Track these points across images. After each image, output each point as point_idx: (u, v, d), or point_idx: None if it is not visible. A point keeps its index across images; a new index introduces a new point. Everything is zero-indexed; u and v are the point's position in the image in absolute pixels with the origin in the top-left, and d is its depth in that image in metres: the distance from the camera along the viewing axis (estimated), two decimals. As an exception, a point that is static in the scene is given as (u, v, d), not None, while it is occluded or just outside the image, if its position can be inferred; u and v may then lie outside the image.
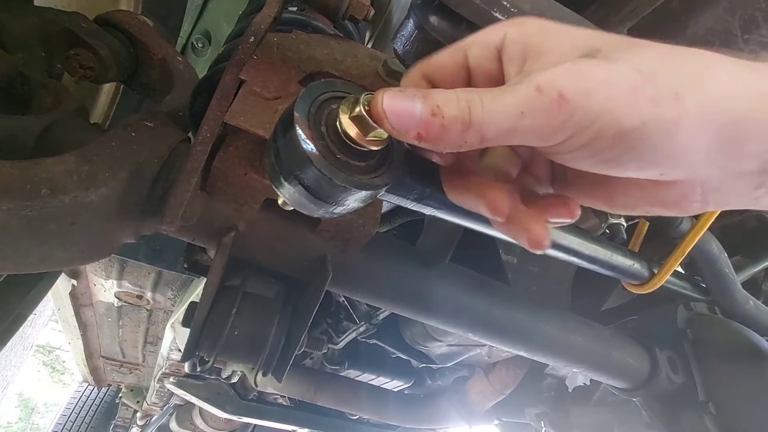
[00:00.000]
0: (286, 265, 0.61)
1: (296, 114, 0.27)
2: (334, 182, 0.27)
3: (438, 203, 0.36)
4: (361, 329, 1.41)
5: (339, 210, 0.30)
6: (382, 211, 0.76)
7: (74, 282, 1.56)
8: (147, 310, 1.81)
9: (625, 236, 0.61)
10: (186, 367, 1.41)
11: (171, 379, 1.92)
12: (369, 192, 0.29)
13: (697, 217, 0.64)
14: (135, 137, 0.47)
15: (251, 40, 0.45)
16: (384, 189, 0.30)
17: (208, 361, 0.61)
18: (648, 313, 1.11)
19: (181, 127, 0.56)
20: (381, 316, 1.37)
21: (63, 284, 1.59)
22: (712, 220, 0.62)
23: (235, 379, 1.59)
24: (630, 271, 0.65)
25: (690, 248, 0.64)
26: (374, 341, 1.46)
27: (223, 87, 0.43)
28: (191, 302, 0.60)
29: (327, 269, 0.58)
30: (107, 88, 0.83)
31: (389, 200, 0.34)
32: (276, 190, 0.31)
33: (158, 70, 0.67)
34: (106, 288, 1.61)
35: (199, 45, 1.27)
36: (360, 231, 0.56)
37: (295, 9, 0.70)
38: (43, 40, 0.55)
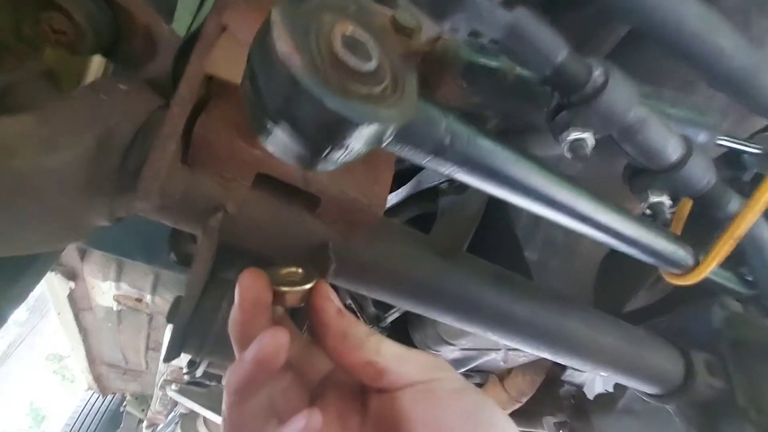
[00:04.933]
0: (283, 253, 0.54)
1: (274, 17, 0.20)
2: (325, 105, 0.20)
3: (460, 159, 0.29)
4: (369, 332, 1.34)
5: (339, 155, 0.23)
6: (387, 204, 0.70)
7: (72, 284, 1.51)
8: (147, 314, 1.76)
9: (668, 216, 0.53)
10: (185, 374, 1.35)
11: (173, 386, 1.86)
12: (375, 127, 0.22)
13: (748, 196, 0.56)
14: (106, 100, 0.41)
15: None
16: (394, 127, 0.23)
17: (196, 363, 0.54)
18: (680, 312, 1.03)
19: (163, 96, 0.50)
20: (390, 319, 1.30)
21: (61, 287, 1.54)
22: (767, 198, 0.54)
23: (237, 386, 1.51)
24: (672, 258, 0.57)
25: (742, 231, 0.56)
26: (383, 345, 1.38)
27: (205, 35, 0.37)
28: (177, 296, 0.54)
29: (329, 258, 0.51)
30: (95, 67, 0.78)
31: (398, 152, 0.27)
32: (260, 138, 0.25)
33: (141, 39, 0.61)
34: (104, 290, 1.56)
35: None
36: (365, 212, 0.49)
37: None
38: (10, 1, 0.50)
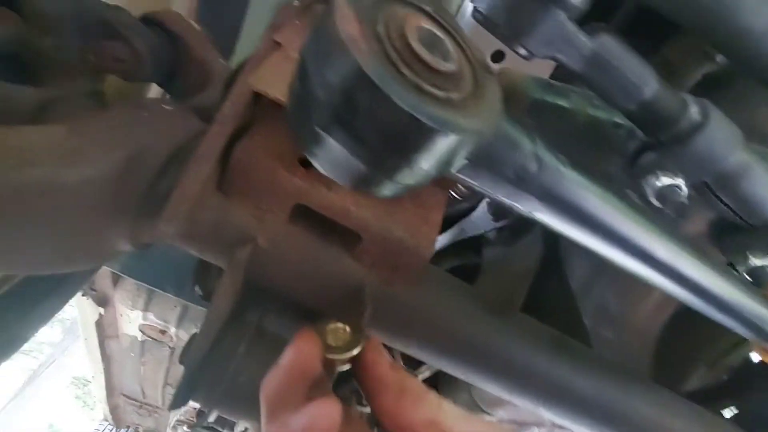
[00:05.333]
0: (313, 295, 0.48)
1: (338, -5, 0.16)
2: (396, 105, 0.15)
3: (544, 192, 0.23)
4: (396, 391, 1.22)
5: (402, 175, 0.18)
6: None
7: (102, 311, 1.51)
8: (170, 347, 1.72)
9: (776, 286, 0.43)
10: (196, 417, 1.27)
11: (185, 428, 1.77)
12: (452, 138, 0.16)
13: None
14: (146, 117, 0.39)
15: (295, 3, 0.37)
16: (475, 140, 0.18)
17: (206, 413, 0.47)
18: (754, 398, 0.87)
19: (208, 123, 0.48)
20: (420, 377, 1.18)
21: (91, 312, 1.54)
22: None
23: (249, 437, 1.41)
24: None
25: None
26: (409, 407, 1.25)
27: (257, 54, 0.35)
28: (194, 334, 0.49)
29: (365, 305, 0.44)
30: (152, 95, 0.81)
31: (470, 179, 0.22)
32: (307, 153, 0.20)
33: (197, 73, 0.62)
34: (131, 319, 1.54)
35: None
36: (411, 255, 0.43)
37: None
38: (78, 27, 0.51)
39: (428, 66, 0.17)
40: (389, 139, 0.16)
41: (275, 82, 0.34)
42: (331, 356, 0.34)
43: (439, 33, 0.18)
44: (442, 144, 0.17)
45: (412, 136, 0.16)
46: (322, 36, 0.16)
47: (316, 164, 0.20)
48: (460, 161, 0.20)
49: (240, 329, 0.46)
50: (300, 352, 0.32)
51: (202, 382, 0.44)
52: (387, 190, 0.19)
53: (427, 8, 0.19)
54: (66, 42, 0.49)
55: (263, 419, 0.32)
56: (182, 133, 0.40)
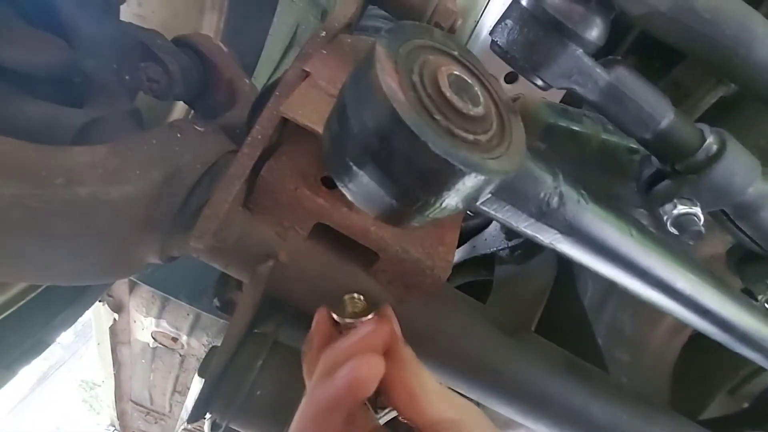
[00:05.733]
0: (330, 311, 0.49)
1: (378, 48, 0.17)
2: (430, 150, 0.16)
3: (565, 225, 0.24)
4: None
5: (428, 211, 0.19)
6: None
7: (116, 316, 1.53)
8: (180, 355, 1.73)
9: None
10: (205, 427, 1.27)
11: (191, 437, 1.77)
12: (480, 179, 0.18)
13: None
14: (180, 138, 0.41)
15: (322, 34, 0.39)
16: (500, 179, 0.19)
17: (221, 426, 0.48)
18: None
19: (236, 143, 0.50)
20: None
21: (106, 317, 1.57)
22: None
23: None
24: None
25: None
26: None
27: (286, 81, 0.37)
28: (213, 347, 0.50)
29: (379, 321, 0.45)
30: (176, 115, 0.84)
31: (493, 213, 0.23)
32: (338, 181, 0.21)
33: (224, 92, 0.65)
34: (144, 326, 1.57)
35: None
36: (427, 275, 0.44)
37: (382, 20, 0.67)
38: (116, 49, 0.54)
39: (459, 112, 0.18)
40: (420, 178, 0.18)
41: (304, 109, 0.36)
42: (349, 320, 0.40)
43: (467, 78, 0.19)
44: (470, 184, 0.18)
45: (443, 177, 0.17)
46: (363, 81, 0.18)
47: (348, 195, 0.22)
48: (485, 197, 0.21)
49: (258, 342, 0.48)
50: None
51: (221, 394, 0.45)
52: (414, 222, 0.20)
53: (455, 53, 0.21)
54: (106, 64, 0.52)
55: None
56: (213, 153, 0.42)
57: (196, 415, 0.44)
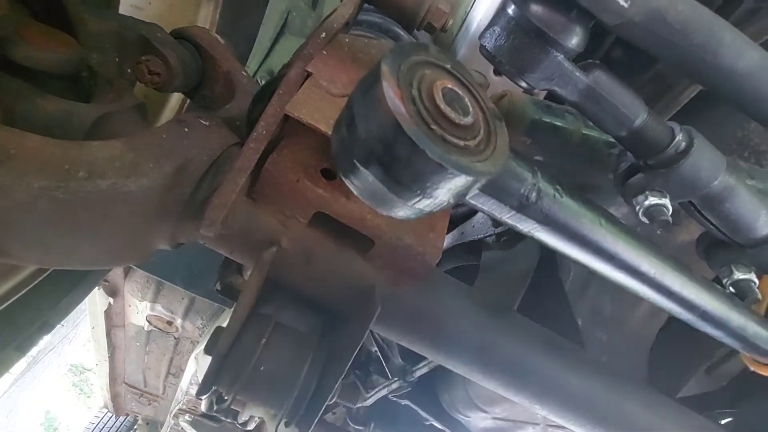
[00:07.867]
0: (327, 294, 0.53)
1: (383, 67, 0.20)
2: (427, 156, 0.19)
3: (543, 216, 0.27)
4: (394, 386, 1.27)
5: (424, 205, 0.22)
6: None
7: (111, 300, 1.55)
8: (174, 337, 1.77)
9: (759, 298, 0.48)
10: (203, 405, 1.32)
11: (186, 417, 1.82)
12: (468, 179, 0.21)
13: None
14: (187, 132, 0.43)
15: (322, 35, 0.41)
16: (486, 179, 0.22)
17: (226, 400, 0.52)
18: (752, 409, 0.90)
19: (237, 134, 0.52)
20: (418, 373, 1.23)
21: (101, 302, 1.59)
22: None
23: (251, 426, 1.46)
24: (761, 345, 0.51)
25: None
26: (406, 402, 1.30)
27: (288, 81, 0.39)
28: (218, 327, 0.53)
29: (374, 303, 0.49)
30: (173, 103, 0.85)
31: (479, 206, 0.26)
32: (344, 177, 0.24)
33: (222, 83, 0.66)
34: (139, 310, 1.59)
35: (263, 83, 1.30)
36: (419, 260, 0.48)
37: (377, 14, 0.68)
38: (118, 43, 0.55)
39: (452, 122, 0.21)
40: (417, 178, 0.21)
41: (308, 108, 0.38)
42: None
43: (458, 90, 0.22)
44: (460, 183, 0.21)
45: (437, 178, 0.20)
46: (370, 95, 0.21)
47: (353, 190, 0.25)
48: (473, 192, 0.24)
49: (261, 323, 0.51)
50: None
51: (227, 370, 0.49)
52: (409, 213, 0.24)
53: (448, 66, 0.23)
54: (109, 57, 0.53)
55: None
56: (218, 146, 0.45)
57: (205, 389, 0.48)
